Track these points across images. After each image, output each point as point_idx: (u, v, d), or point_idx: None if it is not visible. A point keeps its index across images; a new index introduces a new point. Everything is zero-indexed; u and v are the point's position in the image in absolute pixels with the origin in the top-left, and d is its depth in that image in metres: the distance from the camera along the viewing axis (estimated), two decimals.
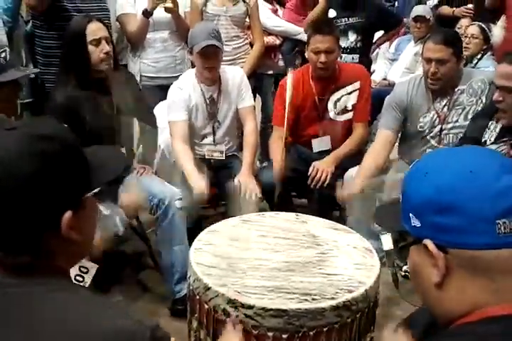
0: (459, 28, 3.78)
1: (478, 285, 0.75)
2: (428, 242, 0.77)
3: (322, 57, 2.70)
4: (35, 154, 0.81)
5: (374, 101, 3.48)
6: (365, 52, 3.68)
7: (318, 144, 2.89)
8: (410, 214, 0.80)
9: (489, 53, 3.63)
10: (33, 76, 2.86)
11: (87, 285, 1.82)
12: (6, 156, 0.80)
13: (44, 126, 0.88)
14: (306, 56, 2.82)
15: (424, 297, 0.84)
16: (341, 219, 2.67)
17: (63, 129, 0.90)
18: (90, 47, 2.24)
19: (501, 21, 3.73)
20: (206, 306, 1.57)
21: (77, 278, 1.84)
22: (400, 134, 2.72)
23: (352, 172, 2.66)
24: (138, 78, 3.18)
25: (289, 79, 2.70)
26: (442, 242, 0.76)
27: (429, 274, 0.79)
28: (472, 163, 0.77)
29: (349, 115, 2.86)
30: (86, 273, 1.87)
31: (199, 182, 2.46)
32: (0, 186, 0.80)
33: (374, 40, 3.91)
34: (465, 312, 0.76)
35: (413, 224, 0.80)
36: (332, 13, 3.60)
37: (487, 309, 0.74)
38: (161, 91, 2.98)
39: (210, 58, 2.59)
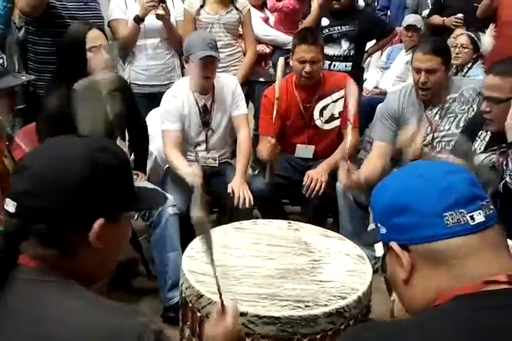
0: (454, 38, 3.82)
1: (440, 273, 0.82)
2: (393, 244, 0.86)
3: (307, 67, 2.72)
4: (93, 161, 0.91)
5: (366, 109, 3.52)
6: (357, 61, 3.70)
7: (302, 151, 2.91)
8: (378, 224, 0.90)
9: (479, 62, 3.67)
10: (25, 83, 2.86)
11: None
12: (67, 157, 0.91)
13: (107, 141, 1.02)
14: (291, 64, 2.85)
15: (399, 297, 0.92)
16: (335, 227, 2.68)
17: (121, 149, 1.02)
18: (89, 55, 2.23)
19: (490, 30, 3.77)
20: (199, 314, 1.58)
21: None
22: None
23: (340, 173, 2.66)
24: None
25: (277, 88, 2.70)
26: (403, 241, 0.85)
27: (398, 273, 0.87)
28: (420, 169, 0.88)
29: (337, 122, 2.88)
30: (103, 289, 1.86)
31: (190, 169, 2.46)
32: (53, 181, 0.88)
33: (366, 49, 3.94)
34: (430, 301, 0.83)
35: (381, 232, 0.89)
36: (325, 22, 3.63)
37: (453, 290, 0.80)
38: (151, 99, 2.98)
39: (207, 68, 2.60)
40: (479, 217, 0.81)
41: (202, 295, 1.56)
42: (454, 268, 0.81)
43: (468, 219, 0.80)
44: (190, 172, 2.46)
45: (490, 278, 0.78)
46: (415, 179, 0.85)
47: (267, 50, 3.75)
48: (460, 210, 0.80)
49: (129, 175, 0.99)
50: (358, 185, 2.47)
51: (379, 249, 1.87)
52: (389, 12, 5.38)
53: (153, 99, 2.81)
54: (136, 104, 2.59)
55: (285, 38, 3.77)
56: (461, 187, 0.82)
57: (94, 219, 0.90)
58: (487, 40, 3.72)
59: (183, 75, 3.22)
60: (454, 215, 0.80)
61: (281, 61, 2.73)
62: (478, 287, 0.78)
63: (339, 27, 3.60)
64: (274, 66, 3.76)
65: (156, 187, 2.49)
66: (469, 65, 3.65)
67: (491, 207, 0.84)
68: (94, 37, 2.24)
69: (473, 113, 2.49)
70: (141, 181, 2.52)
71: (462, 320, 0.76)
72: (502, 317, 0.76)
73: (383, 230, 0.88)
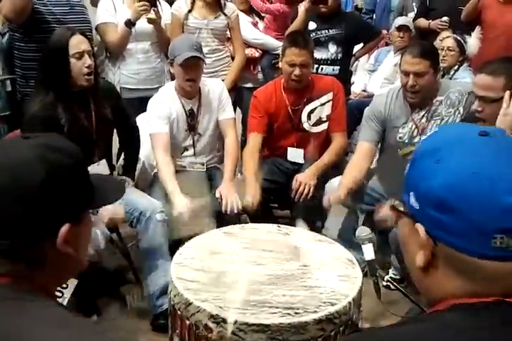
0: (440, 40, 3.84)
1: (459, 281, 0.76)
2: (420, 229, 0.76)
3: (297, 71, 2.73)
4: (46, 163, 0.85)
5: (353, 112, 3.53)
6: (345, 64, 3.71)
7: (293, 154, 2.91)
8: (411, 193, 0.78)
9: (465, 64, 3.69)
10: (9, 89, 2.83)
11: (66, 300, 1.79)
12: (18, 162, 0.84)
13: (57, 140, 0.93)
14: (280, 66, 2.85)
15: (409, 268, 0.84)
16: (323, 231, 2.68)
17: (74, 146, 0.94)
18: (72, 61, 2.22)
19: (476, 32, 3.80)
20: (187, 322, 1.56)
21: (57, 293, 1.81)
22: (379, 145, 2.74)
23: (333, 182, 2.67)
24: (118, 89, 3.16)
25: None
26: (434, 234, 0.75)
27: (414, 253, 0.79)
28: (490, 170, 0.71)
29: (324, 126, 2.89)
30: (65, 288, 1.84)
31: (181, 201, 2.44)
32: (8, 190, 0.82)
33: (353, 53, 3.95)
34: (442, 300, 0.78)
35: (411, 203, 0.77)
36: (312, 25, 3.63)
37: (457, 298, 0.76)
38: (141, 103, 2.97)
39: (191, 70, 2.59)
40: None
41: (190, 303, 1.54)
42: (477, 285, 0.75)
43: None
44: (179, 200, 2.43)
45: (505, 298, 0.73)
46: (481, 183, 0.71)
47: (256, 54, 3.75)
48: None
49: (84, 172, 0.93)
50: (342, 200, 2.48)
51: (367, 251, 1.86)
52: (374, 15, 5.41)
53: (144, 103, 2.80)
54: (125, 109, 2.57)
55: (274, 43, 3.78)
56: None
57: (58, 225, 0.86)
58: (473, 42, 3.75)
59: (172, 79, 3.21)
60: (504, 239, 0.70)
61: None
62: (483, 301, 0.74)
63: (326, 30, 3.61)
64: (263, 70, 3.77)
65: (143, 193, 2.50)
66: (456, 68, 3.67)
67: None
68: (77, 42, 2.22)
69: (459, 115, 2.50)
70: (128, 187, 2.50)
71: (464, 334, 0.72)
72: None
73: (414, 204, 0.76)
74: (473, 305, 0.74)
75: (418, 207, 0.76)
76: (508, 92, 1.96)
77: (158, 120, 2.64)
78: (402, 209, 0.82)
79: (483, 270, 0.73)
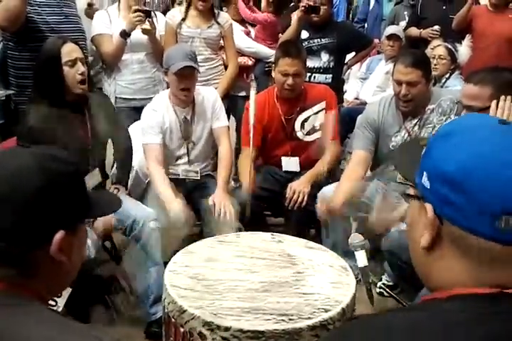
0: (432, 49, 3.88)
1: (462, 264, 0.76)
2: (429, 208, 0.77)
3: (290, 80, 2.75)
4: (45, 171, 0.87)
5: (346, 119, 3.55)
6: (337, 72, 3.74)
7: (287, 164, 2.92)
8: (424, 172, 0.79)
9: (457, 72, 3.73)
10: (3, 98, 2.83)
11: (60, 309, 1.78)
12: (18, 169, 0.87)
13: (57, 150, 0.97)
14: (273, 76, 2.87)
15: (412, 253, 0.85)
16: (318, 238, 2.69)
17: (73, 157, 0.97)
18: (65, 69, 2.23)
19: (467, 40, 3.85)
20: (182, 329, 1.56)
21: (50, 302, 1.80)
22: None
23: (327, 190, 2.68)
24: (113, 100, 3.18)
25: (251, 99, 2.71)
26: (442, 213, 0.76)
27: (420, 234, 0.80)
28: (505, 155, 0.73)
29: (318, 134, 2.90)
30: (59, 296, 1.83)
31: (175, 205, 2.44)
32: (7, 197, 0.85)
33: (346, 61, 3.99)
34: (444, 285, 0.78)
35: (423, 182, 0.79)
36: (305, 34, 3.67)
37: (458, 288, 0.76)
38: (137, 112, 2.98)
39: (186, 79, 2.60)
40: None
41: (184, 311, 1.54)
42: (480, 268, 0.75)
43: None
44: (173, 204, 2.44)
45: (507, 289, 0.74)
46: (497, 166, 0.72)
47: (249, 63, 3.78)
48: None
49: (82, 182, 0.96)
50: (337, 211, 2.50)
51: (360, 257, 1.88)
52: (366, 24, 5.46)
53: (140, 113, 2.81)
54: (119, 120, 2.58)
55: (267, 51, 3.81)
56: None
57: (53, 232, 0.87)
58: (464, 50, 3.80)
59: (168, 88, 3.24)
60: (509, 221, 0.71)
61: (253, 94, 2.73)
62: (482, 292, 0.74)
63: (319, 39, 3.64)
64: (256, 79, 3.79)
65: (136, 201, 2.50)
66: (447, 76, 3.72)
67: None
68: (69, 50, 2.23)
69: None
70: (121, 195, 2.50)
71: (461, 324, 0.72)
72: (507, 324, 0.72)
73: (426, 183, 0.78)
74: (473, 295, 0.74)
75: (429, 186, 0.78)
76: (494, 102, 1.97)
77: (150, 130, 2.65)
78: (412, 193, 0.84)
79: (487, 252, 0.74)
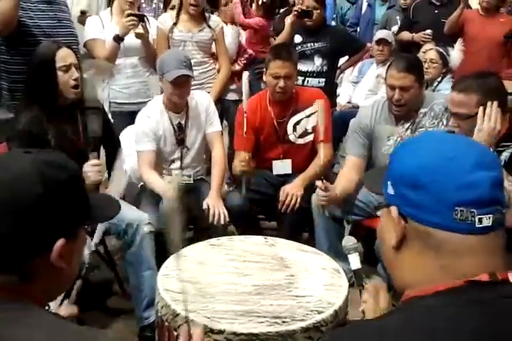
0: (423, 52, 3.90)
1: (428, 258, 0.83)
2: (393, 209, 0.87)
3: (281, 82, 2.76)
4: (44, 178, 0.87)
5: (339, 123, 3.56)
6: (330, 76, 3.76)
7: (279, 167, 2.93)
8: (388, 182, 0.89)
9: (449, 76, 3.75)
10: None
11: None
12: (18, 176, 0.86)
13: (57, 156, 0.95)
14: (265, 79, 2.88)
15: (383, 256, 0.93)
16: (311, 241, 2.69)
17: (73, 163, 0.96)
18: (59, 74, 2.22)
19: (459, 44, 3.88)
20: (175, 333, 1.55)
21: None
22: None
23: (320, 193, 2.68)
24: (107, 104, 3.18)
25: (244, 103, 2.71)
26: (406, 213, 0.85)
27: (389, 237, 0.87)
28: (455, 152, 0.84)
29: (310, 137, 2.91)
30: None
31: (168, 188, 2.44)
32: (7, 204, 0.84)
33: (339, 65, 4.00)
34: (414, 283, 0.84)
35: (388, 191, 0.88)
36: (298, 39, 3.68)
37: (433, 284, 0.81)
38: (131, 116, 2.98)
39: (181, 87, 2.61)
40: (487, 221, 0.80)
41: (178, 314, 1.54)
42: (444, 259, 0.82)
43: (476, 220, 0.80)
44: (165, 187, 2.44)
45: (473, 277, 0.79)
46: (446, 160, 0.83)
47: (237, 67, 3.80)
48: (472, 209, 0.80)
49: (81, 188, 0.95)
50: (335, 201, 2.49)
51: (353, 260, 1.88)
52: (358, 28, 5.49)
53: (134, 117, 2.81)
54: (110, 124, 2.58)
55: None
56: (484, 187, 0.80)
57: (54, 239, 0.87)
58: (455, 54, 3.82)
59: (162, 92, 3.24)
60: (464, 212, 0.80)
61: (245, 76, 2.76)
62: (459, 285, 0.79)
63: (312, 44, 3.66)
64: (249, 83, 3.80)
65: (130, 205, 2.49)
66: (439, 79, 3.74)
67: (504, 211, 0.83)
68: (63, 56, 2.23)
69: (443, 127, 2.53)
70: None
71: (450, 318, 0.77)
72: (484, 313, 0.77)
73: (391, 191, 0.87)
74: (451, 289, 0.80)
75: (393, 192, 0.87)
76: (481, 108, 1.96)
77: (144, 137, 2.66)
78: (383, 204, 0.92)
79: (448, 242, 0.81)
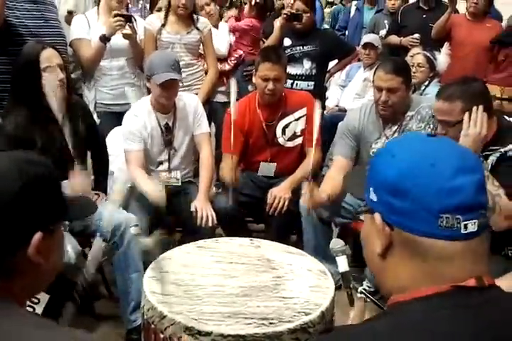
0: (411, 56, 3.93)
1: (414, 264, 0.83)
2: (377, 216, 0.85)
3: (270, 85, 2.76)
4: (23, 174, 0.89)
5: (327, 126, 3.57)
6: (320, 80, 3.77)
7: (265, 169, 2.93)
8: (370, 188, 0.87)
9: (436, 80, 3.78)
10: None
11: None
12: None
13: (32, 154, 0.99)
14: (254, 81, 2.88)
15: (368, 263, 0.93)
16: (299, 243, 2.69)
17: (48, 161, 0.98)
18: (44, 74, 2.21)
19: (445, 48, 3.91)
20: (162, 335, 1.55)
21: (28, 308, 1.78)
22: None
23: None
24: (93, 105, 3.16)
25: (232, 111, 2.71)
26: (390, 220, 0.84)
27: (374, 243, 0.87)
28: (436, 157, 0.83)
29: (299, 140, 2.92)
30: (37, 303, 1.81)
31: (153, 187, 2.44)
32: None
33: (328, 69, 4.02)
34: (401, 288, 0.84)
35: (370, 197, 0.87)
36: (287, 42, 3.69)
37: (420, 289, 0.81)
38: (118, 117, 2.97)
39: (169, 89, 2.60)
40: (472, 227, 0.80)
41: (165, 316, 1.53)
42: (430, 265, 0.81)
43: (462, 226, 0.80)
44: (153, 190, 2.43)
45: (459, 282, 0.79)
46: (428, 167, 0.81)
47: (226, 67, 3.80)
48: (457, 216, 0.79)
49: (59, 185, 0.98)
50: (321, 204, 2.49)
51: (341, 263, 1.89)
52: (347, 32, 5.52)
53: (121, 118, 2.79)
54: (95, 126, 2.56)
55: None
56: (467, 192, 0.80)
57: (31, 234, 0.88)
58: (442, 59, 3.85)
59: (148, 93, 3.23)
60: (449, 219, 0.79)
61: (233, 84, 2.75)
62: (446, 289, 0.80)
63: (301, 47, 3.66)
64: (237, 83, 3.81)
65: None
66: (426, 83, 3.76)
67: (487, 214, 0.83)
68: (48, 56, 2.22)
69: (429, 130, 2.55)
70: (102, 201, 2.48)
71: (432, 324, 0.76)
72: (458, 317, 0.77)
73: (373, 197, 0.86)
74: (429, 295, 0.80)
75: (376, 199, 0.86)
76: (466, 114, 1.97)
77: (131, 136, 2.65)
78: (365, 209, 0.92)
79: (433, 249, 0.81)
